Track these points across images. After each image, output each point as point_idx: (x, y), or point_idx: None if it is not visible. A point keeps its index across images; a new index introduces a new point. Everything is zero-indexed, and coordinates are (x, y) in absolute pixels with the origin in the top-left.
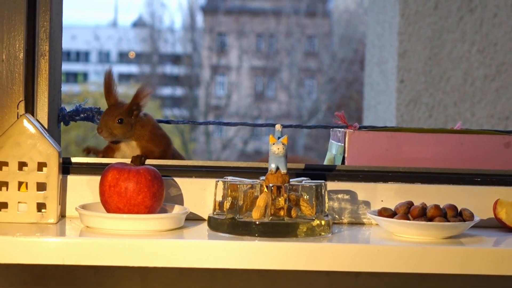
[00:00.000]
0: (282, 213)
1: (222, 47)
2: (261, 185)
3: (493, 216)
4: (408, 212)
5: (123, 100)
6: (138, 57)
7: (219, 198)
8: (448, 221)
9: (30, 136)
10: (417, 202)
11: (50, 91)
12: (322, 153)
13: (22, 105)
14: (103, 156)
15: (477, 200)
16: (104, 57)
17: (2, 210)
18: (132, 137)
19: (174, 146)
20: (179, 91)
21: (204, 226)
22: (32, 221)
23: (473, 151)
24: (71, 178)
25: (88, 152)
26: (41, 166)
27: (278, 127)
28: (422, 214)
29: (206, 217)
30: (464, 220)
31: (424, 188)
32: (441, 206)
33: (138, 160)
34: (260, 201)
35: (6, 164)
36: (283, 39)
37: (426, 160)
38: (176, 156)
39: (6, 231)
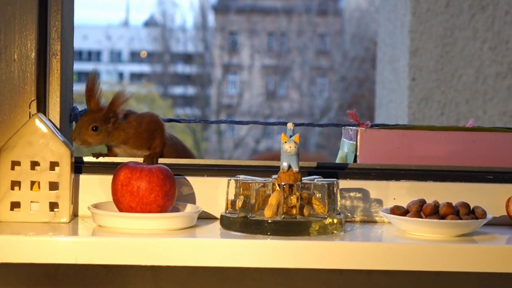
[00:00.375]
0: (294, 211)
1: (234, 46)
2: (273, 184)
3: (505, 213)
4: (420, 210)
5: (105, 105)
6: (150, 57)
7: (231, 196)
8: (461, 219)
9: (42, 136)
10: (429, 200)
11: (62, 90)
12: (334, 152)
13: (34, 104)
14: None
15: (490, 197)
16: (115, 56)
17: (15, 209)
18: (114, 142)
19: (180, 141)
20: (190, 90)
21: (216, 225)
22: (45, 220)
23: (485, 148)
24: (83, 177)
25: (97, 157)
26: (53, 165)
27: (290, 125)
28: (435, 212)
29: (218, 216)
30: (477, 218)
31: (436, 186)
32: (454, 204)
33: (150, 159)
34: (272, 200)
35: (18, 163)
36: (295, 38)
37: (438, 158)
38: (187, 151)
39: (19, 231)
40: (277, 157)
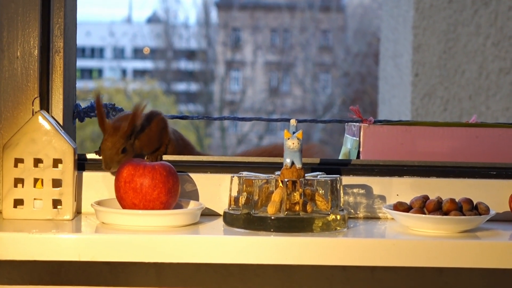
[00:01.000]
0: (297, 208)
1: (237, 42)
2: (276, 180)
3: (508, 209)
4: (423, 206)
5: (115, 121)
6: (153, 53)
7: (234, 193)
8: (464, 215)
9: (45, 133)
10: (432, 196)
11: (65, 87)
12: (337, 148)
13: (37, 101)
14: None
15: (493, 193)
16: (119, 53)
17: (18, 207)
18: (136, 152)
19: (181, 135)
20: (194, 87)
21: (220, 221)
22: (48, 217)
23: (488, 144)
24: (86, 175)
25: (100, 154)
26: (56, 162)
27: (293, 121)
28: (438, 208)
29: (221, 213)
30: (480, 214)
31: (440, 182)
32: (457, 200)
33: (154, 157)
34: (276, 196)
35: (21, 161)
36: (298, 34)
37: (441, 154)
38: (188, 144)
39: (22, 228)
40: (278, 149)
